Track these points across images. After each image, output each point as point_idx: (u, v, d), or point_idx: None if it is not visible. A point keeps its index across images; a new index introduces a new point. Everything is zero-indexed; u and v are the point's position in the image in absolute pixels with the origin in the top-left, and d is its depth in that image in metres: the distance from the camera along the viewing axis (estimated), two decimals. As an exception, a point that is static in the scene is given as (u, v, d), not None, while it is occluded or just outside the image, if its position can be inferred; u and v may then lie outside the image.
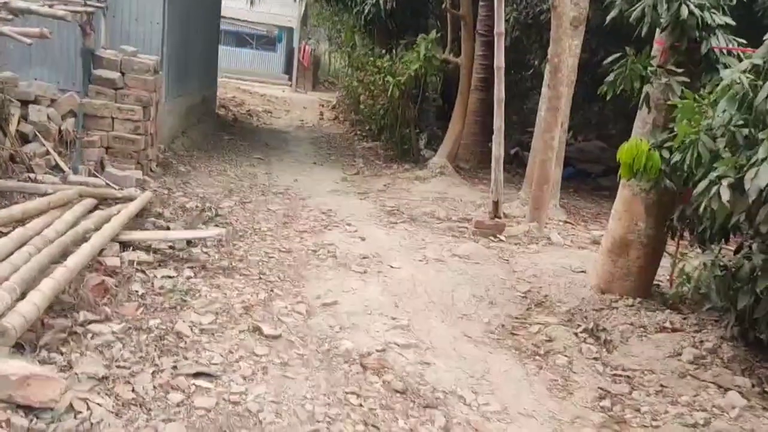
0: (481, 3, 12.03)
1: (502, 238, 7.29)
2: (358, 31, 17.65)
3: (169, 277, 4.97)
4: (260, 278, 5.31)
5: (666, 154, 4.64)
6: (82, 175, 7.51)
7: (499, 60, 7.37)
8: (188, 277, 5.03)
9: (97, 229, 5.35)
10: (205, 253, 5.73)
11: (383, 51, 12.90)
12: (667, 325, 4.92)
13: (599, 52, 14.27)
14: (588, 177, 14.16)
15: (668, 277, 5.88)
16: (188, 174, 8.96)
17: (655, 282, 5.71)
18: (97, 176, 7.56)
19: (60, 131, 7.87)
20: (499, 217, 7.47)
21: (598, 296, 5.53)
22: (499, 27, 7.34)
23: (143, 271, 4.97)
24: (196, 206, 7.23)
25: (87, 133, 7.91)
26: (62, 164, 7.49)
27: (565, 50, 7.70)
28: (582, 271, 6.25)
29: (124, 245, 5.35)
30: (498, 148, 7.34)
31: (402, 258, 6.21)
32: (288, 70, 32.92)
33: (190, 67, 11.70)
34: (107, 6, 9.06)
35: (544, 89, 9.13)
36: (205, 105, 13.47)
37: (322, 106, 22.82)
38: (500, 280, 5.86)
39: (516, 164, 14.31)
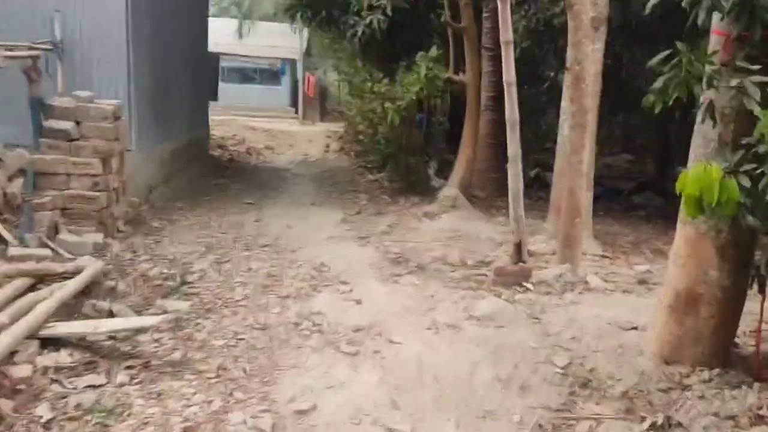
0: (485, 14, 10.90)
1: (530, 286, 6.02)
2: (356, 56, 16.69)
3: (95, 387, 3.79)
4: (219, 376, 4.11)
5: (745, 181, 3.38)
6: (32, 245, 6.44)
7: (509, 74, 6.17)
8: (120, 385, 3.85)
9: (13, 322, 4.22)
10: (156, 341, 4.56)
11: (383, 75, 11.81)
12: (765, 412, 3.61)
13: (624, 56, 13.14)
14: (618, 195, 12.80)
15: (748, 334, 4.57)
16: (163, 230, 7.84)
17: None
18: (48, 245, 6.47)
19: (5, 195, 6.82)
20: (524, 261, 6.20)
21: (662, 368, 4.22)
22: (506, 35, 6.16)
23: (61, 382, 3.80)
24: (161, 273, 6.09)
25: (38, 195, 6.83)
26: (6, 234, 6.42)
27: (587, 56, 6.49)
28: (633, 328, 4.95)
29: (46, 342, 4.20)
30: (515, 180, 6.11)
31: (406, 328, 4.96)
32: (294, 102, 32.14)
33: (171, 109, 10.68)
34: (62, 49, 8.07)
35: (564, 104, 7.91)
36: (194, 147, 12.45)
37: (329, 137, 21.76)
38: (531, 351, 4.58)
39: (537, 187, 13.01)
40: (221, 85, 32.85)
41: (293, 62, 32.25)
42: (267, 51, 32.18)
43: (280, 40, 31.74)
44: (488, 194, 11.35)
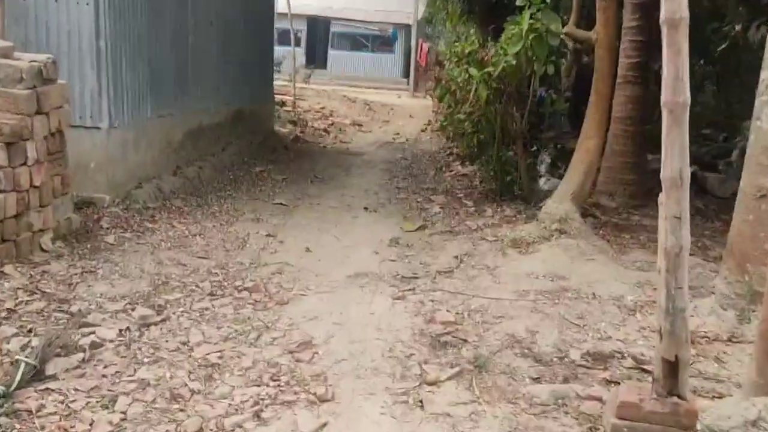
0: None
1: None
2: (463, 15, 13.54)
3: None
4: None
5: None
6: None
7: (678, 6, 2.89)
8: None
9: None
10: None
11: (486, 38, 8.59)
12: None
13: None
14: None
15: None
16: (113, 251, 5.32)
17: None
18: None
19: None
20: (682, 396, 2.99)
21: None
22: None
23: None
24: (21, 344, 3.55)
25: None
26: None
27: None
28: None
29: None
30: (676, 231, 2.84)
31: None
32: (407, 72, 29.26)
33: (193, 74, 8.18)
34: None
35: (764, 73, 4.45)
36: (241, 124, 9.95)
37: (436, 112, 18.74)
38: None
39: (692, 195, 9.32)
40: (330, 53, 30.74)
41: (407, 28, 29.31)
42: (380, 15, 29.46)
43: (394, 3, 28.91)
44: (620, 204, 7.93)
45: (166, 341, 3.87)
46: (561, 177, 8.85)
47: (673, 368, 2.91)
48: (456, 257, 5.67)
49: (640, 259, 5.69)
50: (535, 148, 9.01)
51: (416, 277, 5.22)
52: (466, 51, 7.03)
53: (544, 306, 4.57)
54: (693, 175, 9.22)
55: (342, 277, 5.15)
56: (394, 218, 7.16)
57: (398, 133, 14.97)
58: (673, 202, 2.80)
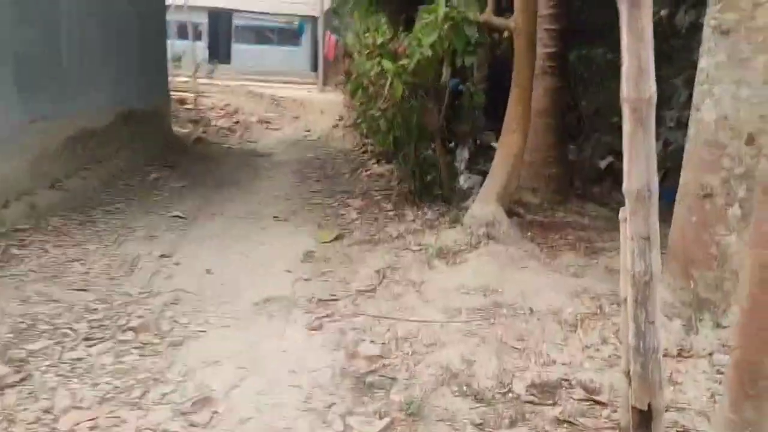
0: None
1: None
2: (372, 5, 12.95)
3: None
4: None
5: None
6: None
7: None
8: None
9: None
10: None
11: (399, 29, 8.03)
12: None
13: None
14: None
15: None
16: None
17: None
18: None
19: None
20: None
21: None
22: None
23: None
24: None
25: None
26: None
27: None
28: None
29: None
30: (647, 258, 2.37)
31: None
32: (316, 66, 28.42)
33: (73, 71, 7.19)
34: None
35: (704, 61, 4.10)
36: (131, 126, 8.96)
37: (348, 108, 18.11)
38: None
39: (610, 184, 9.22)
40: (234, 46, 29.44)
41: (314, 20, 28.45)
42: (284, 7, 28.44)
43: (300, -6, 28.01)
44: (544, 200, 7.62)
45: (24, 409, 3.08)
46: (481, 173, 8.47)
47: (645, 419, 2.44)
48: (378, 272, 5.09)
49: (572, 263, 5.32)
50: (452, 144, 8.58)
51: (335, 299, 4.61)
52: (378, 42, 6.45)
53: (479, 327, 4.07)
54: (610, 165, 9.08)
55: (249, 305, 4.46)
56: (308, 227, 6.50)
57: (309, 130, 14.27)
58: (641, 220, 2.32)
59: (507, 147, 6.12)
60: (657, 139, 7.11)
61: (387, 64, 6.12)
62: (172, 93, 15.04)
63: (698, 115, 4.08)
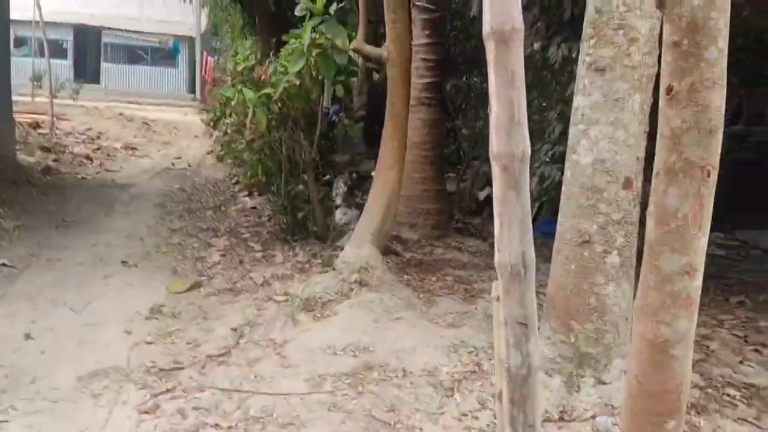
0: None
1: None
2: (245, 27, 12.39)
3: None
4: None
5: None
6: None
7: (509, 13, 2.02)
8: None
9: None
10: None
11: (269, 53, 7.45)
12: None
13: None
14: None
15: None
16: None
17: None
18: None
19: None
20: None
21: None
22: None
23: None
24: None
25: None
26: None
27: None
28: None
29: None
30: (524, 348, 1.95)
31: None
32: (194, 88, 27.20)
33: None
34: None
35: (579, 100, 3.85)
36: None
37: (212, 136, 17.23)
38: None
39: (489, 215, 9.06)
40: (104, 65, 27.62)
41: (191, 40, 27.28)
42: (158, 26, 27.09)
43: (176, 13, 26.74)
44: (422, 235, 7.29)
45: None
46: (359, 207, 8.05)
47: None
48: (235, 330, 4.46)
49: (450, 310, 4.94)
50: (328, 176, 8.10)
51: (179, 368, 3.93)
52: (240, 69, 5.86)
53: (346, 398, 3.55)
54: (489, 196, 8.91)
55: (71, 381, 3.70)
56: (161, 274, 5.75)
57: (180, 157, 13.32)
58: (515, 302, 1.90)
59: (382, 184, 5.70)
60: (532, 175, 6.89)
61: (248, 93, 5.54)
62: (23, 116, 13.62)
63: (574, 158, 3.82)
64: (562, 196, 3.94)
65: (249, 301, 4.99)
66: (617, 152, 3.67)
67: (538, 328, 3.62)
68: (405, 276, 5.63)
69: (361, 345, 4.16)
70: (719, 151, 2.04)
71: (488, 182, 9.74)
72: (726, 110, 2.10)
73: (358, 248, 5.30)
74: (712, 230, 2.32)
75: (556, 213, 9.20)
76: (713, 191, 2.08)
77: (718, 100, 1.97)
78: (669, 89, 2.04)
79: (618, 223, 3.70)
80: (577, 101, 3.80)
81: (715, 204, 2.08)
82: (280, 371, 3.85)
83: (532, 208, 2.01)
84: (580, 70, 3.81)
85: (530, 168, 1.97)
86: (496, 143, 1.88)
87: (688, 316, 2.14)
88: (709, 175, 2.04)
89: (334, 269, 5.30)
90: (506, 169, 1.88)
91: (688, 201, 2.01)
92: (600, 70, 3.67)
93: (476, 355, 4.14)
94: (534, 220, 9.06)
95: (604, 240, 3.71)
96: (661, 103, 2.09)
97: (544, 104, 7.23)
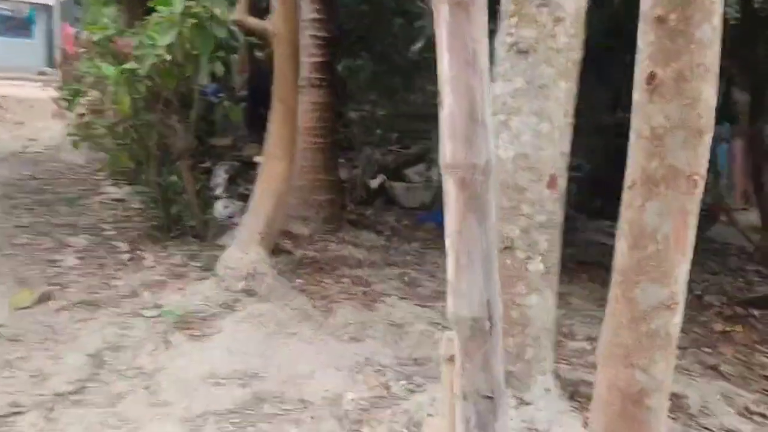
0: None
1: None
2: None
3: None
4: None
5: None
6: None
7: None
8: None
9: None
10: None
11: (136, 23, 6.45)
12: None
13: None
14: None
15: None
16: None
17: None
18: None
19: None
20: None
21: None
22: None
23: None
24: None
25: None
26: None
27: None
28: None
29: None
30: (489, 428, 1.49)
31: None
32: (52, 62, 24.64)
33: None
34: None
35: (499, 87, 3.41)
36: None
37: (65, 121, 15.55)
38: None
39: (382, 204, 8.69)
40: (-56, 35, 24.38)
41: (48, 9, 24.69)
42: (10, -9, 24.26)
43: (29, -23, 24.09)
44: (314, 230, 6.71)
45: None
46: (243, 197, 7.32)
47: None
48: (93, 356, 3.67)
49: (350, 319, 4.41)
50: (207, 163, 7.29)
51: (17, 412, 3.12)
52: (96, 39, 4.95)
53: (232, 443, 2.93)
54: (383, 187, 8.46)
55: None
56: (2, 285, 4.76)
57: (34, 139, 11.81)
58: (477, 368, 1.39)
59: (271, 177, 5.04)
60: (424, 157, 6.42)
61: (107, 69, 4.67)
62: None
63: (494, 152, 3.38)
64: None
65: (111, 317, 4.18)
66: (541, 147, 3.27)
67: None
68: (298, 280, 5.03)
69: (250, 370, 3.53)
70: (707, 157, 1.64)
71: (380, 170, 9.31)
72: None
73: (244, 251, 4.63)
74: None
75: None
76: (698, 206, 1.67)
77: (709, 91, 1.55)
78: (651, 77, 1.59)
79: (542, 226, 3.32)
80: (497, 88, 3.35)
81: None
82: (148, 412, 3.14)
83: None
84: (499, 51, 3.37)
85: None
86: (450, 149, 1.35)
87: (665, 359, 1.74)
88: (695, 186, 1.63)
89: (216, 275, 4.60)
90: (464, 185, 1.35)
91: (670, 218, 1.59)
92: (523, 53, 3.25)
93: (383, 374, 3.66)
94: (430, 208, 8.74)
95: (527, 245, 3.32)
96: (637, 96, 1.64)
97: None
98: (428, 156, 8.56)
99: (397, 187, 9.06)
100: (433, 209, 8.80)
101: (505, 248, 3.34)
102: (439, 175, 4.59)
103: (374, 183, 8.92)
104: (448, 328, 4.22)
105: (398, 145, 10.47)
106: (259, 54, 9.62)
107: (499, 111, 3.35)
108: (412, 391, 3.47)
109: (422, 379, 3.62)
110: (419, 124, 10.24)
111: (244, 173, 8.21)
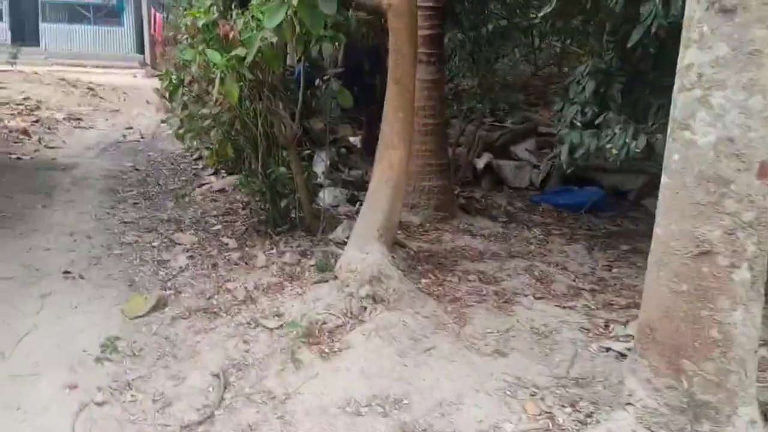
0: None
1: None
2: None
3: None
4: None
5: None
6: None
7: None
8: None
9: None
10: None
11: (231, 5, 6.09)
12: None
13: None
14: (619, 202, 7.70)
15: None
16: None
17: None
18: None
19: None
20: None
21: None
22: None
23: None
24: None
25: None
26: None
27: None
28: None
29: None
30: None
31: None
32: (142, 48, 25.17)
33: None
34: None
35: (692, 55, 2.76)
36: None
37: (166, 111, 15.62)
38: None
39: (488, 188, 8.08)
40: (43, 26, 25.35)
41: (137, -4, 25.12)
42: (99, -20, 24.85)
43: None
44: (425, 218, 6.23)
45: None
46: (347, 185, 6.92)
47: None
48: (217, 376, 3.34)
49: (489, 327, 3.91)
50: (309, 151, 6.90)
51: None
52: (200, 24, 4.58)
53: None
54: (488, 166, 7.80)
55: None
56: (114, 288, 4.55)
57: (131, 128, 11.88)
58: None
59: (386, 167, 4.55)
60: (557, 142, 5.65)
61: (214, 56, 4.29)
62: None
63: (686, 136, 2.75)
64: (665, 190, 2.87)
65: (231, 328, 3.85)
66: (751, 128, 2.61)
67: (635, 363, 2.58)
68: (423, 280, 4.55)
69: (390, 396, 3.10)
70: None
71: (486, 148, 8.67)
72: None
73: (364, 250, 4.19)
74: None
75: (565, 182, 8.13)
76: None
77: None
78: None
79: (750, 225, 2.67)
80: (691, 56, 2.70)
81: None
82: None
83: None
84: (693, 11, 2.71)
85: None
86: None
87: None
88: None
89: (335, 277, 4.19)
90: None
91: None
92: (728, 11, 2.58)
93: (542, 398, 3.14)
94: (541, 187, 8.01)
95: (731, 250, 2.68)
96: None
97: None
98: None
99: (505, 165, 8.41)
100: (546, 189, 8.10)
101: (701, 253, 2.72)
102: (572, 160, 3.91)
103: (480, 163, 8.32)
104: (602, 336, 3.58)
105: (492, 120, 9.72)
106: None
107: (693, 85, 2.70)
108: (582, 423, 2.93)
109: (590, 406, 3.07)
110: (518, 97, 9.49)
111: (345, 158, 7.81)
